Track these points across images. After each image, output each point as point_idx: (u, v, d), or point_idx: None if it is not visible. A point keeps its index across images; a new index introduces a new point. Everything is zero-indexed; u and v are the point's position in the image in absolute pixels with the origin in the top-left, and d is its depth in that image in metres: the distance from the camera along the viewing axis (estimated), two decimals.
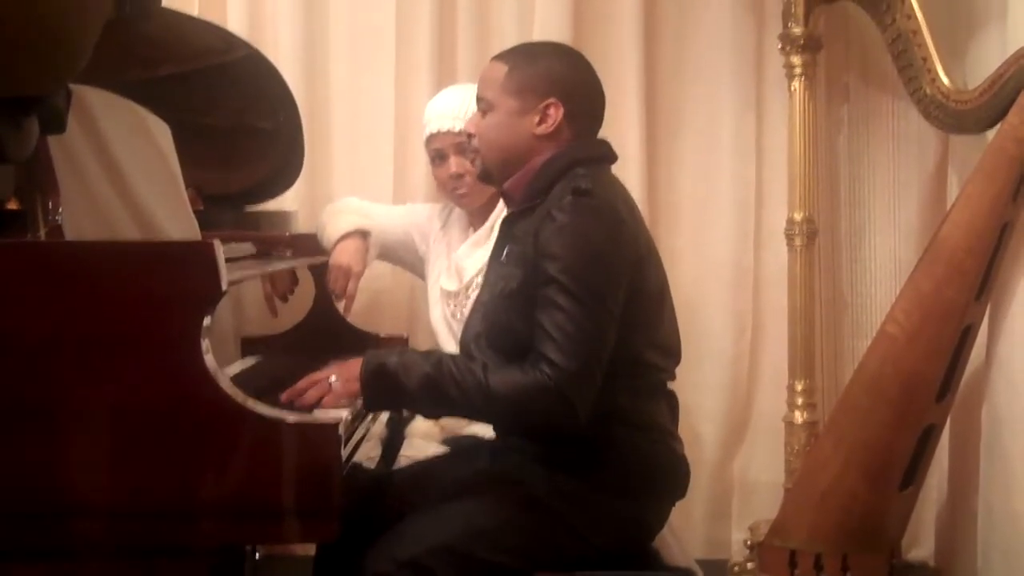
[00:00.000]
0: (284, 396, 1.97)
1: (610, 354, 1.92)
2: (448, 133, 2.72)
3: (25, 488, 1.68)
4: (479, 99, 2.14)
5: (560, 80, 2.07)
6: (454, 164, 2.72)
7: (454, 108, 2.71)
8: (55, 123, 1.75)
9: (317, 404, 1.96)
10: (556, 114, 2.06)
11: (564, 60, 2.13)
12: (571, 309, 1.87)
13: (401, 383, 1.93)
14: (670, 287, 2.14)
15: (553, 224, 1.92)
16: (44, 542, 1.69)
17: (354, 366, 1.97)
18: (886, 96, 3.26)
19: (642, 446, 2.04)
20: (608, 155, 2.13)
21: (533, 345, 1.89)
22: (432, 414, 2.20)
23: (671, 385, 2.15)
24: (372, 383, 1.95)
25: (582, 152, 2.07)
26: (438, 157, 2.77)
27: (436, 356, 1.95)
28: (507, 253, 2.06)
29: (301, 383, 2.01)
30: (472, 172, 2.66)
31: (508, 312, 1.97)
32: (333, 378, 1.99)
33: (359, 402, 2.00)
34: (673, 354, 2.12)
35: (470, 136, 2.17)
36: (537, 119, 2.06)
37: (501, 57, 2.13)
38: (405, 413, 2.68)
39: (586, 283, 1.89)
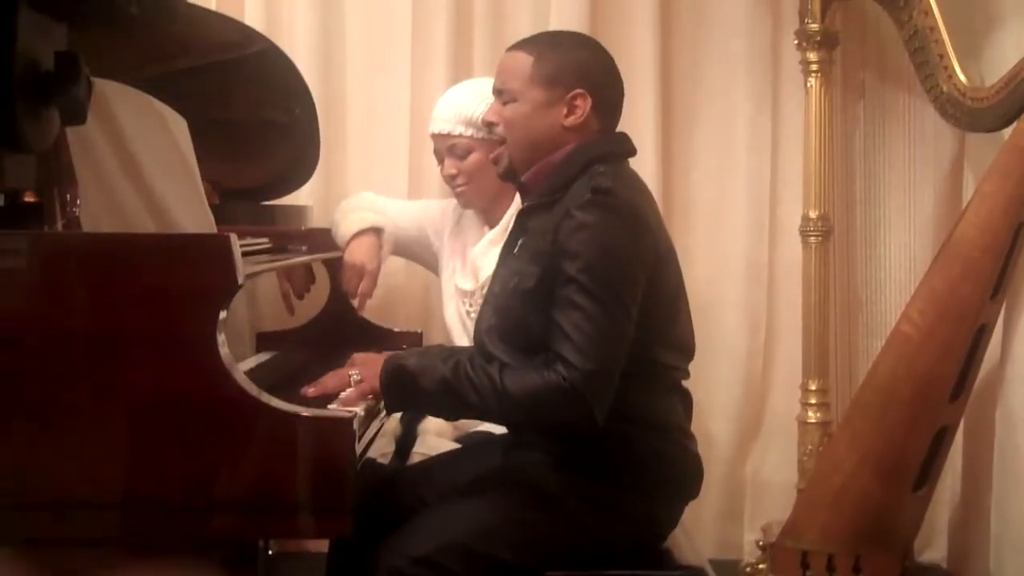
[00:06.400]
0: (309, 391, 1.98)
1: (627, 354, 1.91)
2: (439, 135, 2.74)
3: (40, 480, 1.68)
4: (500, 90, 2.10)
5: (587, 70, 2.05)
6: (447, 165, 2.74)
7: (446, 111, 2.72)
8: (75, 113, 1.75)
9: (335, 396, 1.98)
10: (584, 105, 2.03)
11: (588, 49, 2.11)
12: (589, 309, 1.86)
13: (420, 386, 1.93)
14: (685, 284, 2.13)
15: (572, 222, 1.90)
16: (58, 533, 1.69)
17: (376, 364, 1.97)
18: (902, 93, 3.26)
19: (656, 445, 2.03)
20: (628, 150, 2.11)
21: (549, 344, 1.88)
22: (450, 416, 2.19)
23: (685, 383, 2.14)
24: (391, 385, 1.95)
25: (602, 148, 2.04)
26: (437, 157, 2.79)
27: (454, 359, 1.93)
28: (520, 246, 2.05)
29: (326, 378, 2.02)
30: (465, 172, 2.68)
31: (523, 309, 1.96)
32: (355, 374, 1.99)
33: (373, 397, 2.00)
34: (687, 352, 2.11)
35: (491, 125, 2.13)
36: (565, 110, 2.04)
37: (524, 46, 2.09)
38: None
39: (605, 283, 1.87)
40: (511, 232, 2.14)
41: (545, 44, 2.10)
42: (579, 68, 2.04)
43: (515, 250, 2.06)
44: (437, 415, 2.19)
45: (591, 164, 2.00)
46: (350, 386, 1.99)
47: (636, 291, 1.92)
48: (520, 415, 1.93)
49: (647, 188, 2.09)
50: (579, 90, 2.03)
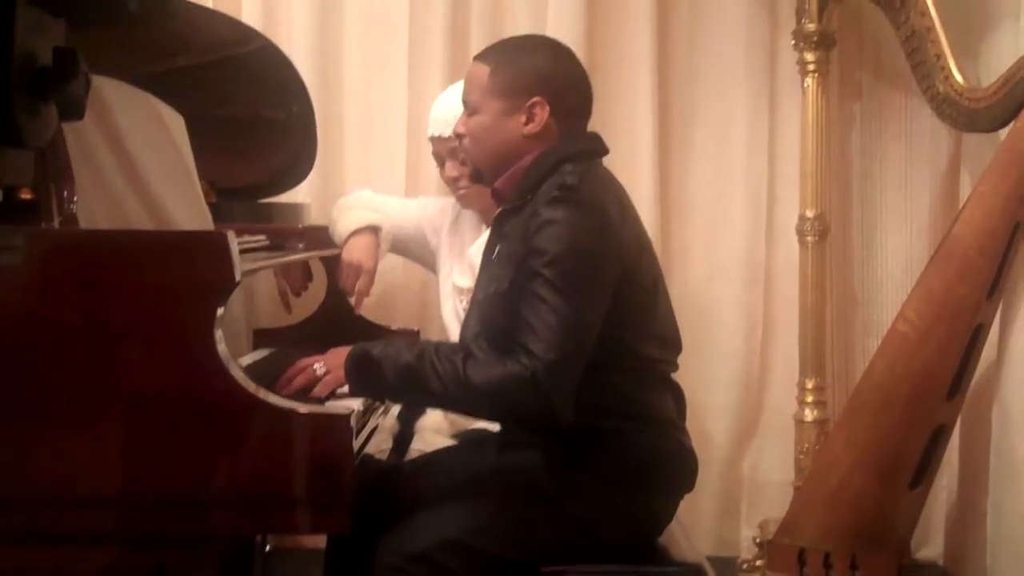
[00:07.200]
0: (278, 386, 2.00)
1: (594, 348, 1.91)
2: (439, 138, 2.74)
3: (37, 477, 1.68)
4: (464, 101, 2.12)
5: (545, 77, 2.05)
6: (448, 168, 2.75)
7: (445, 112, 2.71)
8: (73, 109, 1.75)
9: (311, 392, 1.99)
10: (543, 113, 2.04)
11: (547, 56, 2.11)
12: (553, 301, 1.87)
13: (383, 372, 1.94)
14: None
15: (538, 220, 1.92)
16: (56, 530, 1.69)
17: (341, 354, 2.00)
18: (899, 93, 3.27)
19: (649, 439, 2.03)
20: (598, 148, 2.11)
21: (514, 336, 1.89)
22: (413, 404, 2.19)
23: (678, 378, 2.15)
24: (356, 372, 1.98)
25: (571, 147, 2.05)
26: (437, 159, 2.78)
27: (419, 347, 1.96)
28: (498, 252, 2.06)
29: (290, 371, 2.04)
30: (467, 175, 2.68)
31: (503, 311, 1.97)
32: (319, 366, 2.02)
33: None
34: (672, 344, 2.12)
35: (460, 136, 2.15)
36: (524, 119, 2.05)
37: (483, 57, 2.11)
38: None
39: (569, 277, 1.88)
40: (490, 238, 2.15)
41: (503, 54, 2.11)
42: (536, 76, 2.05)
43: (494, 255, 2.08)
44: (400, 402, 2.21)
45: (560, 164, 2.00)
46: (316, 380, 2.01)
47: (602, 286, 1.93)
48: (482, 404, 1.95)
49: (620, 186, 2.09)
50: (537, 98, 2.04)
